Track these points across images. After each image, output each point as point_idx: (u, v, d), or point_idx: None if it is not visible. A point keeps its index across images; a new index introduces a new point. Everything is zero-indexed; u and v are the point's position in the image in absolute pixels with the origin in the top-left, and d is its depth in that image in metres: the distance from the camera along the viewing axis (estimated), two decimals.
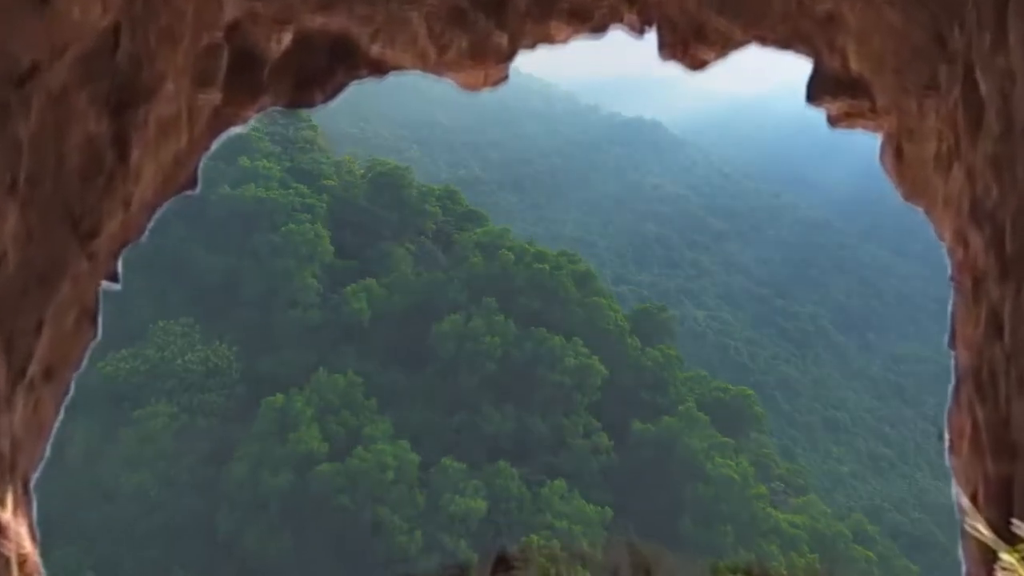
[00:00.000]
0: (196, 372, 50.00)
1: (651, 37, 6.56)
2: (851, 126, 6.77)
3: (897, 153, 5.76)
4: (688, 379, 63.40)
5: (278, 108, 6.42)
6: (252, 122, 6.36)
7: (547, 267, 58.55)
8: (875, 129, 6.45)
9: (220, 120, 5.62)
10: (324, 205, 61.38)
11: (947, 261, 5.19)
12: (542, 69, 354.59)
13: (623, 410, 54.68)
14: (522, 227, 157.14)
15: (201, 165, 5.81)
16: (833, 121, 6.72)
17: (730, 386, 64.42)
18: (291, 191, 61.93)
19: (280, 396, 47.14)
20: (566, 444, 51.79)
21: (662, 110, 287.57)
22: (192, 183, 5.75)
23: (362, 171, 74.85)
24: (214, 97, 5.26)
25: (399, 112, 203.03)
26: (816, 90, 6.21)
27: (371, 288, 55.75)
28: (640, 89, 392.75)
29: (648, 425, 53.00)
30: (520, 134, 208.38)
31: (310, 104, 6.50)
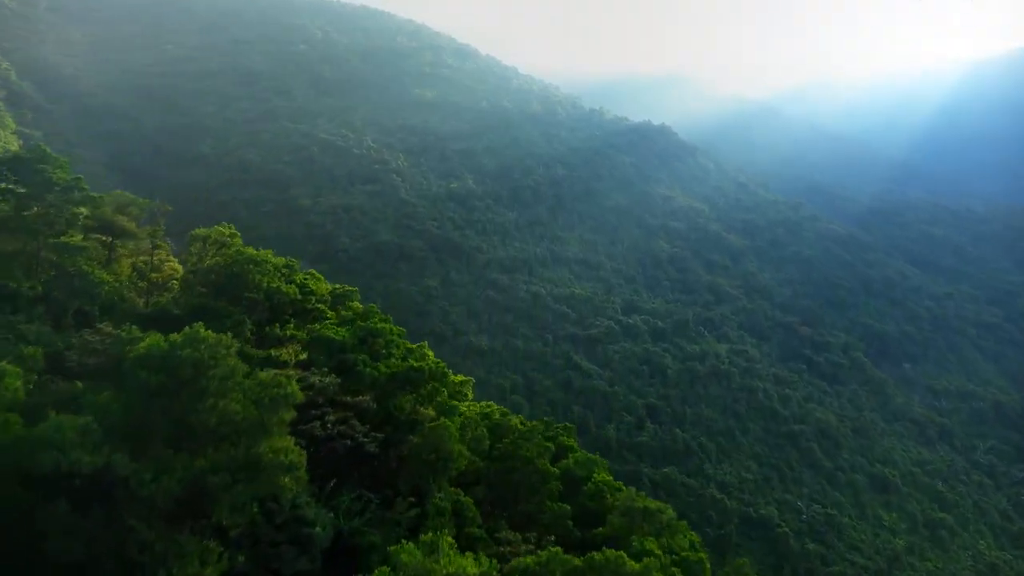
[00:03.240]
0: None
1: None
2: None
3: None
4: None
5: None
6: None
7: None
8: None
9: None
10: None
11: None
12: (542, 70, 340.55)
13: None
14: (520, 248, 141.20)
15: None
16: None
17: None
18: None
19: None
20: None
21: (670, 113, 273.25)
22: None
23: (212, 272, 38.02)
24: None
25: (386, 117, 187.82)
26: None
27: None
28: (646, 90, 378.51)
29: None
30: (518, 140, 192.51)
31: None
